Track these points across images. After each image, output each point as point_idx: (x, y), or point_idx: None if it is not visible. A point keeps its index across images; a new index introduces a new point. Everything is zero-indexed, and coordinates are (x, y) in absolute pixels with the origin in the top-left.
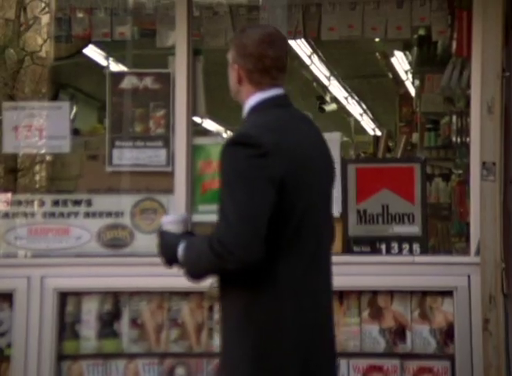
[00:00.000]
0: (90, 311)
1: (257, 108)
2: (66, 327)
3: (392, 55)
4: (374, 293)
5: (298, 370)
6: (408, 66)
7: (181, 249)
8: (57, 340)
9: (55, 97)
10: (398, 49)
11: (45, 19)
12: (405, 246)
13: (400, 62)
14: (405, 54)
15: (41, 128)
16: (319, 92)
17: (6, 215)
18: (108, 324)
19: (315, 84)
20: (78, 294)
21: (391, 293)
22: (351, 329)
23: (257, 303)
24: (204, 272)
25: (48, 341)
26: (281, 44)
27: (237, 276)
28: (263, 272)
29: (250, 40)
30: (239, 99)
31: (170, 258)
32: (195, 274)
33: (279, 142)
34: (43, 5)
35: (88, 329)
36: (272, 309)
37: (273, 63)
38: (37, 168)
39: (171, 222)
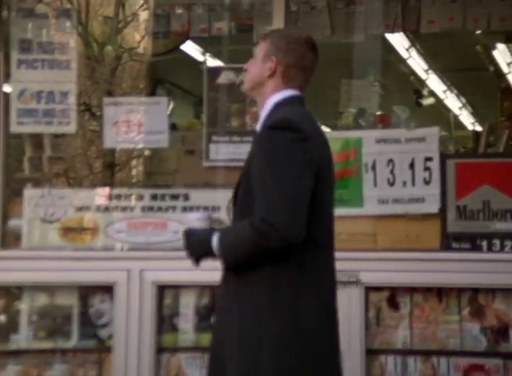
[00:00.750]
0: (188, 304)
1: (283, 103)
2: (165, 320)
3: (494, 47)
4: (475, 291)
5: (323, 355)
6: (510, 59)
7: (215, 240)
8: (156, 332)
9: (152, 93)
10: (501, 42)
11: (144, 15)
12: (508, 243)
13: (502, 55)
14: (507, 46)
15: (140, 123)
16: (417, 86)
17: (106, 208)
18: (205, 318)
19: (412, 78)
20: (176, 288)
21: (493, 291)
22: (451, 327)
23: (284, 287)
24: (244, 255)
25: (148, 334)
26: (317, 51)
27: (266, 258)
28: (292, 256)
29: (295, 38)
30: (256, 92)
31: (201, 254)
32: (234, 259)
33: (315, 130)
34: (142, 2)
35: (186, 322)
36: (298, 294)
37: (310, 65)
38: (134, 162)
39: (198, 219)
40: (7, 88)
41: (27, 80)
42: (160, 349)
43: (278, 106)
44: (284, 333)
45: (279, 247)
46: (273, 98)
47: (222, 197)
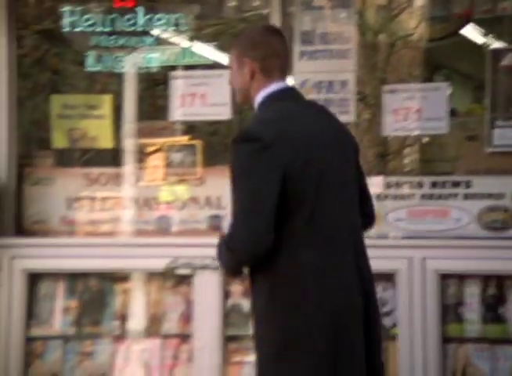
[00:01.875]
0: (473, 294)
1: (266, 102)
2: (449, 310)
3: None
4: None
5: (326, 350)
6: None
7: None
8: (440, 322)
9: (429, 79)
10: None
11: (419, 1)
12: None
13: None
14: None
15: (419, 110)
16: None
17: (384, 196)
18: (493, 308)
19: None
20: (459, 277)
21: None
22: None
23: (281, 288)
24: (232, 269)
25: (432, 323)
26: (281, 33)
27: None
28: (284, 257)
29: (255, 31)
30: (247, 99)
31: None
32: (227, 272)
33: (283, 133)
34: None
35: (472, 312)
36: (295, 294)
37: (280, 48)
38: (408, 150)
39: None
40: (290, 80)
41: (308, 71)
42: (445, 339)
43: (261, 105)
44: (283, 332)
45: (249, 260)
46: (257, 99)
47: (506, 184)
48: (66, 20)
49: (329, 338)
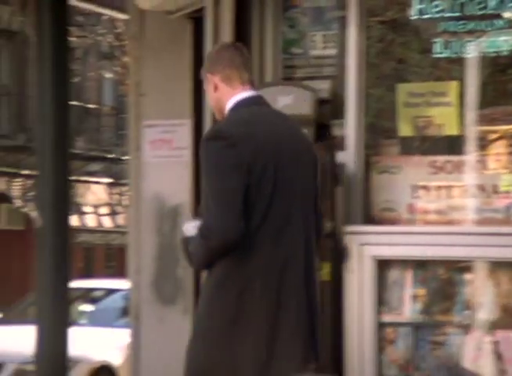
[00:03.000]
0: None
1: (235, 108)
2: None
3: None
4: None
5: (265, 335)
6: None
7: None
8: None
9: None
10: None
11: None
12: None
13: None
14: None
15: None
16: None
17: None
18: None
19: None
20: None
21: None
22: None
23: (230, 274)
24: (201, 258)
25: None
26: (244, 51)
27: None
28: (236, 252)
29: (218, 47)
30: (221, 111)
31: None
32: (196, 263)
33: (248, 133)
34: None
35: None
36: (242, 282)
37: (238, 59)
38: None
39: (194, 226)
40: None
41: None
42: None
43: (230, 111)
44: (228, 314)
45: (220, 245)
46: (227, 106)
47: None
48: (415, 8)
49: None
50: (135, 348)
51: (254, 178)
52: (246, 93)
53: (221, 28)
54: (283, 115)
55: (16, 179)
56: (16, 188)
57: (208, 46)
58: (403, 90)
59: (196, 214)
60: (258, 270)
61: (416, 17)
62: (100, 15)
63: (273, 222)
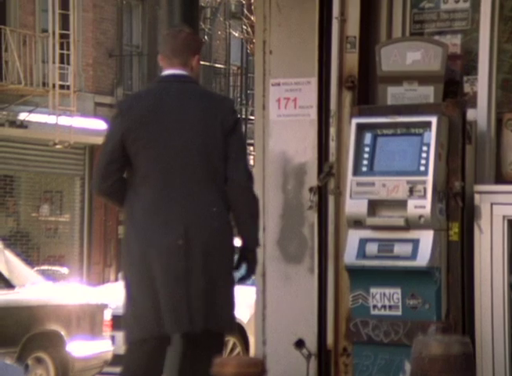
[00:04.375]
0: None
1: (151, 82)
2: None
3: None
4: None
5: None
6: None
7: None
8: None
9: None
10: None
11: None
12: None
13: None
14: None
15: None
16: None
17: None
18: None
19: None
20: None
21: None
22: None
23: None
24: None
25: None
26: (181, 36)
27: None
28: (127, 200)
29: (166, 32)
30: None
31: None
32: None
33: (132, 106)
34: None
35: None
36: (126, 230)
37: (173, 48)
38: None
39: None
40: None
41: None
42: None
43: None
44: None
45: (98, 194)
46: None
47: None
48: None
49: (139, 269)
50: (261, 306)
51: (128, 143)
52: (169, 71)
53: None
54: (194, 92)
55: None
56: None
57: (336, 2)
58: None
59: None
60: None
61: None
62: None
63: (150, 182)
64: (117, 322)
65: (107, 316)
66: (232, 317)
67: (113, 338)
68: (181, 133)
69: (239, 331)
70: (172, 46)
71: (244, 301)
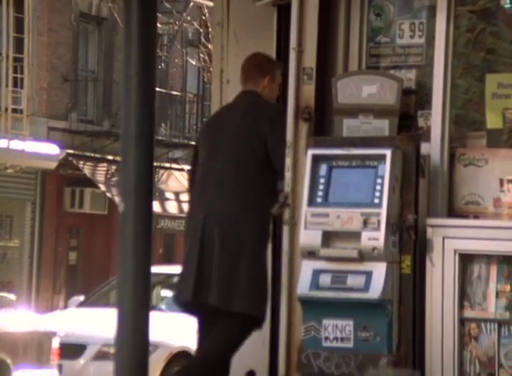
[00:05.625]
0: None
1: None
2: None
3: None
4: None
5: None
6: None
7: None
8: None
9: None
10: None
11: None
12: None
13: None
14: None
15: None
16: None
17: None
18: None
19: None
20: None
21: None
22: None
23: None
24: None
25: None
26: (248, 61)
27: None
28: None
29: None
30: None
31: None
32: None
33: (211, 117)
34: None
35: None
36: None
37: (243, 71)
38: None
39: None
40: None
41: None
42: None
43: None
44: None
45: None
46: None
47: None
48: None
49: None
50: None
51: (198, 146)
52: (242, 90)
53: (307, 16)
54: (242, 101)
55: (101, 164)
56: (101, 173)
57: (294, 34)
58: (492, 81)
59: None
60: None
61: (508, 6)
62: (187, 2)
63: (200, 173)
64: (65, 350)
65: (55, 344)
66: (253, 302)
67: (60, 367)
68: (223, 139)
69: (188, 359)
70: (244, 69)
71: (194, 328)
